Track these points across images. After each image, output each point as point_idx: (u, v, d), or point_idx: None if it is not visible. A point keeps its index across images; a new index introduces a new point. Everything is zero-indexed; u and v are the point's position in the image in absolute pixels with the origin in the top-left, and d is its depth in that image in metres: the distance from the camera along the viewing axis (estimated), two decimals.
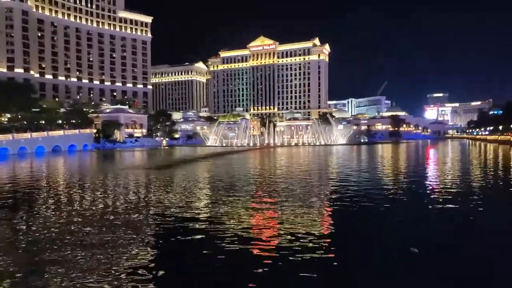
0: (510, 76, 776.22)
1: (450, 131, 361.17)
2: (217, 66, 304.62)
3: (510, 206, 23.04)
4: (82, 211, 21.55)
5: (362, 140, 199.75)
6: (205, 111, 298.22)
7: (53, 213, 21.46)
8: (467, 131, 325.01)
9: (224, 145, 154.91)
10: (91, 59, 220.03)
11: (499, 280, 11.67)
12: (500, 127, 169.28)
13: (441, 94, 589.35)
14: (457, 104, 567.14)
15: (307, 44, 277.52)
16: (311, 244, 14.43)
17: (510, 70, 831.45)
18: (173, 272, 12.31)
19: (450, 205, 21.82)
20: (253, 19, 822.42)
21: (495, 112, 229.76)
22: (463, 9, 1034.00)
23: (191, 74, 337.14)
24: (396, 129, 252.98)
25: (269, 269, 12.11)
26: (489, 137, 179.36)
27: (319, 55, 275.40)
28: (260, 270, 11.94)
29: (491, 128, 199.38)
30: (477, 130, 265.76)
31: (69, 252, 13.91)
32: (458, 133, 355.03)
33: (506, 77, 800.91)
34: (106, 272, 11.88)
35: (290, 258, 12.93)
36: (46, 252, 13.88)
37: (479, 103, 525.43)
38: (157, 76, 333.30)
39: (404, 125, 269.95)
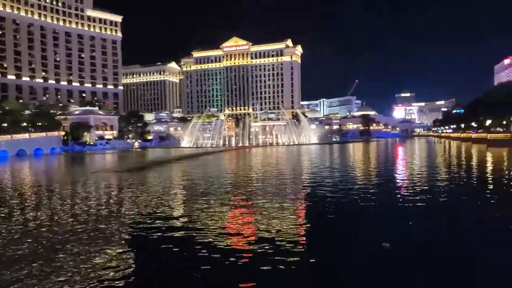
0: (471, 77, 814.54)
1: (417, 129, 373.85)
2: (190, 66, 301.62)
3: (475, 198, 24.13)
4: (47, 219, 20.55)
5: (334, 139, 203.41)
6: (179, 111, 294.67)
7: (16, 221, 20.37)
8: (433, 129, 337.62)
9: (198, 146, 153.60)
10: (58, 59, 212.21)
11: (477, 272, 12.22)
12: (462, 125, 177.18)
13: (408, 94, 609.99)
14: (423, 104, 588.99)
15: (280, 45, 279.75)
16: (288, 244, 14.54)
17: (471, 71, 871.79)
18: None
19: (421, 199, 22.66)
20: (226, 19, 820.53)
21: (458, 111, 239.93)
22: (425, 10, 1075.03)
23: (164, 74, 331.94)
24: (367, 128, 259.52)
25: (249, 269, 12.16)
26: (452, 135, 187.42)
27: (291, 56, 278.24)
28: (241, 270, 11.99)
29: (454, 126, 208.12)
30: (442, 128, 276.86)
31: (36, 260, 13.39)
32: (425, 131, 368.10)
33: (468, 78, 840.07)
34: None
35: (269, 258, 12.99)
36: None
37: (443, 102, 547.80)
38: (128, 76, 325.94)
39: (374, 124, 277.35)
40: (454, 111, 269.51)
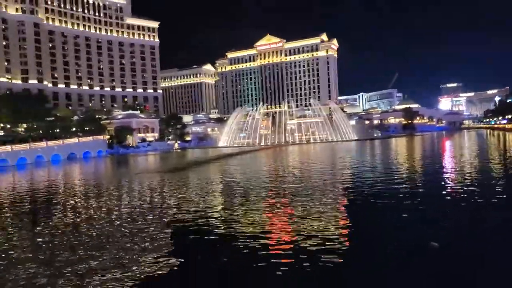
0: None
1: (466, 122, 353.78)
2: (225, 67, 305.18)
3: None
4: (100, 216, 21.85)
5: (375, 135, 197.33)
6: (215, 112, 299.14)
7: (70, 218, 21.73)
8: (484, 120, 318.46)
9: (235, 145, 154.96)
10: (101, 66, 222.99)
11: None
12: None
13: (455, 84, 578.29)
14: (472, 94, 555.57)
15: (315, 40, 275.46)
16: (331, 241, 14.23)
17: None
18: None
19: (470, 200, 21.15)
20: (260, 18, 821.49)
21: None
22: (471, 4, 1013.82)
23: (200, 76, 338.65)
24: (410, 122, 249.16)
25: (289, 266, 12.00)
26: (507, 126, 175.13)
27: (327, 50, 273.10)
28: (281, 267, 11.87)
29: (510, 116, 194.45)
30: (495, 119, 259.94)
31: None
32: (475, 123, 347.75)
33: None
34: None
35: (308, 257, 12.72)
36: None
37: (495, 91, 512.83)
38: (166, 80, 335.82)
39: (418, 118, 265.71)
40: (508, 100, 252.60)
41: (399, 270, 12.01)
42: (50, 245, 15.86)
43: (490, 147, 69.86)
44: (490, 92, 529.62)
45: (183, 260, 13.34)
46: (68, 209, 24.37)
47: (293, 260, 12.62)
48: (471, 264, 11.98)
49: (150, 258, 13.43)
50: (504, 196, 22.24)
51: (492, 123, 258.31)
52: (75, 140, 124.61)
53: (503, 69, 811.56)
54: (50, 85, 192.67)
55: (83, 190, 34.79)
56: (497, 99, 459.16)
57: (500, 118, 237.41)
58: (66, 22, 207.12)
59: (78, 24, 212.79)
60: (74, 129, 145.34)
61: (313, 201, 22.91)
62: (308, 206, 21.44)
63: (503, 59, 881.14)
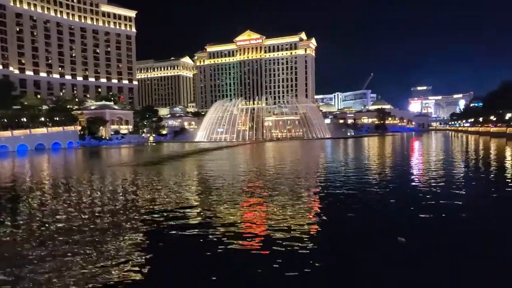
0: (492, 69, 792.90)
1: (434, 123, 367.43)
2: (204, 61, 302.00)
3: (491, 196, 23.34)
4: (66, 210, 20.84)
5: (348, 134, 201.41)
6: (193, 106, 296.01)
7: (36, 212, 20.70)
8: (450, 123, 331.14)
9: (212, 140, 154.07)
10: (73, 54, 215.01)
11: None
12: (481, 119, 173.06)
13: (424, 87, 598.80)
14: (439, 97, 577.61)
15: (294, 39, 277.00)
16: (302, 238, 14.28)
17: (490, 64, 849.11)
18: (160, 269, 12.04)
19: (437, 196, 22.00)
20: (240, 13, 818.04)
21: (476, 105, 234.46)
22: (446, 8, 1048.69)
23: (178, 69, 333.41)
24: (382, 122, 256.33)
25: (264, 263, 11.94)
26: (470, 129, 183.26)
27: (305, 49, 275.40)
28: (255, 265, 11.79)
29: (473, 120, 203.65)
30: (459, 122, 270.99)
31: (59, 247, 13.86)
32: (442, 125, 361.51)
33: (488, 70, 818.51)
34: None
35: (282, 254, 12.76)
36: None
37: (460, 95, 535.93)
38: (142, 71, 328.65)
39: (390, 118, 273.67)
40: (472, 105, 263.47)
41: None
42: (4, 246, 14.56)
43: (454, 148, 73.47)
44: (455, 96, 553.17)
45: (153, 256, 12.99)
46: (29, 206, 22.80)
47: (267, 251, 12.87)
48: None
49: (116, 260, 12.55)
50: (464, 192, 23.30)
51: (457, 125, 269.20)
52: (43, 130, 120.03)
53: (469, 75, 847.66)
54: (16, 71, 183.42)
55: (48, 184, 32.97)
56: (461, 102, 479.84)
57: (464, 121, 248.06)
58: (35, 5, 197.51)
59: (48, 9, 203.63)
60: (42, 118, 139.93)
61: (286, 196, 23.10)
62: (281, 201, 21.58)
63: (469, 65, 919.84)
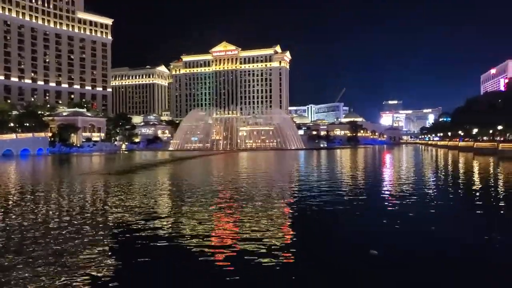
0: (459, 86, 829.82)
1: (405, 137, 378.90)
2: (179, 70, 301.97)
3: (459, 207, 25.36)
4: (32, 220, 20.41)
5: (321, 145, 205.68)
6: (167, 115, 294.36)
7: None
8: (420, 136, 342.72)
9: (186, 149, 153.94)
10: (47, 60, 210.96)
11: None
12: (449, 133, 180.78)
13: (395, 101, 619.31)
14: (410, 111, 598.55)
15: (269, 51, 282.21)
16: (272, 247, 14.67)
17: (459, 80, 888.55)
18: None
19: (409, 208, 23.84)
20: (216, 24, 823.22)
21: (445, 119, 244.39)
22: (418, 29, 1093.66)
23: (153, 77, 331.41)
24: (354, 134, 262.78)
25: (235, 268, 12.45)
26: (439, 143, 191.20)
27: (280, 62, 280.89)
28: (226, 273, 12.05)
29: (441, 134, 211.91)
30: (429, 136, 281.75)
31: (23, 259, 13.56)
32: (412, 139, 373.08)
33: (455, 86, 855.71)
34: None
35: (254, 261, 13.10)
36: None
37: (430, 110, 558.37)
38: (117, 78, 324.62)
39: (362, 131, 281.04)
40: (441, 119, 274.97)
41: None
42: None
43: (424, 161, 76.56)
44: (425, 110, 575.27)
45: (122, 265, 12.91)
46: None
47: (232, 262, 13.12)
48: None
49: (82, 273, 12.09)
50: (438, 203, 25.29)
51: (427, 139, 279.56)
52: (12, 136, 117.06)
53: (438, 90, 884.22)
54: None
55: (13, 192, 31.89)
56: (431, 117, 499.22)
57: (433, 135, 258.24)
58: (10, 10, 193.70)
59: (23, 14, 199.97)
60: (12, 124, 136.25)
61: (258, 206, 23.89)
62: (253, 211, 22.29)
63: (438, 81, 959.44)
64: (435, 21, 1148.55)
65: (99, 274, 12.05)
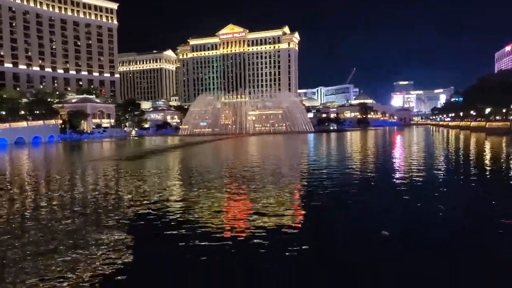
0: (472, 64, 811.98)
1: (415, 118, 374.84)
2: (187, 54, 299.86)
3: (470, 190, 24.45)
4: (49, 204, 21.05)
5: (331, 128, 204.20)
6: (175, 100, 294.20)
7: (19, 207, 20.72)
8: (431, 117, 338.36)
9: (195, 134, 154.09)
10: (54, 46, 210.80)
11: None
12: (461, 114, 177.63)
13: (406, 82, 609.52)
14: (421, 92, 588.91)
15: (277, 33, 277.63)
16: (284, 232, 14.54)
17: (472, 58, 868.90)
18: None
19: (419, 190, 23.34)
20: (223, 7, 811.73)
21: (456, 99, 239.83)
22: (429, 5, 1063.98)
23: (160, 62, 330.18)
24: (364, 116, 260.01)
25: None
26: (451, 123, 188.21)
27: (289, 43, 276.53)
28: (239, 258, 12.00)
29: (453, 114, 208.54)
30: (440, 116, 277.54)
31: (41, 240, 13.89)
32: (423, 120, 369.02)
33: (469, 65, 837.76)
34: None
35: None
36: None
37: (441, 90, 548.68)
38: (124, 64, 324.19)
39: (372, 113, 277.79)
40: (452, 99, 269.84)
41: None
42: None
43: (436, 143, 75.27)
44: (436, 91, 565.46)
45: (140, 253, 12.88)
46: (6, 201, 22.21)
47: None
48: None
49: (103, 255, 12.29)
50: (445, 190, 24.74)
51: (438, 120, 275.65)
52: (23, 124, 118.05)
53: (450, 70, 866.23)
54: None
55: (28, 179, 32.57)
56: (442, 97, 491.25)
57: (445, 115, 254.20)
58: None
59: (28, 0, 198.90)
60: (22, 112, 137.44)
61: (271, 191, 23.61)
62: (266, 195, 22.00)
63: (450, 59, 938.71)
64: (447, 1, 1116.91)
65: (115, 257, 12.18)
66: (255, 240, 13.52)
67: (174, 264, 12.12)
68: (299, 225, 15.65)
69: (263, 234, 14.25)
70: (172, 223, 16.30)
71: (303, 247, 12.79)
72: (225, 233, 14.59)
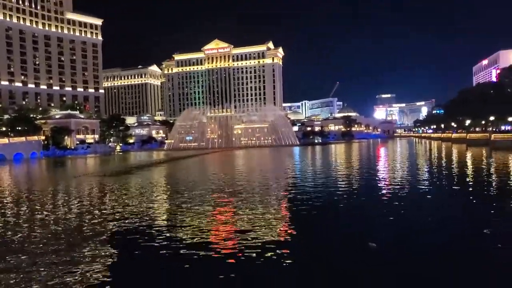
0: (452, 78, 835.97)
1: (399, 130, 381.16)
2: (172, 69, 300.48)
3: (453, 198, 25.66)
4: (31, 223, 20.75)
5: (316, 141, 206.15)
6: (161, 114, 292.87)
7: None
8: (414, 129, 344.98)
9: (181, 149, 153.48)
10: (37, 62, 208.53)
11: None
12: (442, 126, 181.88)
13: (388, 95, 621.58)
14: (403, 105, 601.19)
15: (261, 48, 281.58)
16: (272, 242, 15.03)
17: (449, 73, 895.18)
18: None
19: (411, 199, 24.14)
20: (208, 22, 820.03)
21: (438, 112, 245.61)
22: (411, 23, 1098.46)
23: (145, 77, 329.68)
24: (349, 129, 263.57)
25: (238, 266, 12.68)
26: (433, 135, 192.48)
27: (273, 58, 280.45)
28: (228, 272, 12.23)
29: (435, 126, 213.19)
30: (423, 128, 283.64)
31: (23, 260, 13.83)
32: (406, 132, 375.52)
33: (448, 78, 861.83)
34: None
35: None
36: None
37: (423, 103, 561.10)
38: (109, 79, 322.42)
39: (356, 125, 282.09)
40: (434, 112, 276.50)
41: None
42: None
43: (418, 154, 77.06)
44: (418, 103, 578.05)
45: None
46: None
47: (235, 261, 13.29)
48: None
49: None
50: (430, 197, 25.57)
51: (420, 132, 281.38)
52: (4, 140, 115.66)
53: (431, 83, 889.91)
54: None
55: (7, 196, 31.98)
56: (424, 109, 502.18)
57: (427, 127, 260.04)
58: None
59: (11, 16, 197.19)
60: (4, 128, 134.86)
61: (255, 203, 24.03)
62: (250, 209, 22.33)
63: (431, 73, 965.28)
64: (426, 14, 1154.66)
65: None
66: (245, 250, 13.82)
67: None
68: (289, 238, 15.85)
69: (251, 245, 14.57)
70: (154, 238, 16.41)
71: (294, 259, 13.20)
72: (214, 246, 14.79)
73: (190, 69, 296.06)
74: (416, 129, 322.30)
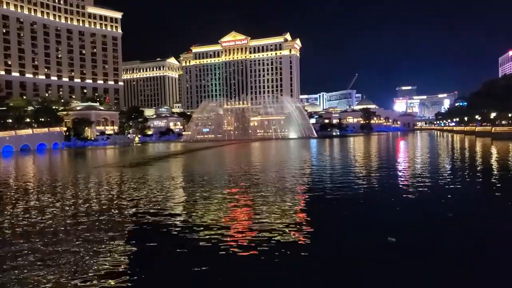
0: (476, 69, 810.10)
1: (419, 123, 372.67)
2: (189, 61, 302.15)
3: (480, 194, 24.89)
4: (54, 211, 21.38)
5: (334, 133, 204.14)
6: (178, 107, 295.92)
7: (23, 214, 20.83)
8: (435, 122, 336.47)
9: (198, 140, 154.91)
10: (59, 55, 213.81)
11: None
12: (466, 118, 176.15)
13: (409, 87, 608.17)
14: (424, 97, 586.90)
15: (279, 39, 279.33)
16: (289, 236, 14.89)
17: (476, 63, 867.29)
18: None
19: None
20: (225, 14, 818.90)
21: (461, 104, 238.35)
22: (433, 13, 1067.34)
23: (163, 69, 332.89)
24: (367, 122, 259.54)
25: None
26: (455, 128, 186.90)
27: (290, 50, 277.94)
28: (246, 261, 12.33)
29: (457, 119, 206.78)
30: (445, 121, 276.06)
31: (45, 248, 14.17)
32: (427, 125, 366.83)
33: (472, 70, 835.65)
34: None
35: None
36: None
37: (445, 95, 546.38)
38: (128, 72, 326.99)
39: (375, 118, 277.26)
40: (457, 104, 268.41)
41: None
42: None
43: (439, 147, 74.73)
44: (440, 95, 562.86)
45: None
46: (11, 208, 22.50)
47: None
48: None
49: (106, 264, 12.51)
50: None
51: (442, 125, 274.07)
52: (29, 131, 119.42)
53: (453, 74, 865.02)
54: (2, 72, 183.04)
55: (33, 185, 33.05)
56: (446, 102, 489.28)
57: (449, 120, 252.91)
58: (22, 7, 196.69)
59: (35, 10, 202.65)
60: (28, 120, 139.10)
61: (274, 196, 23.96)
62: (269, 201, 22.22)
63: (453, 64, 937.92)
64: (450, 3, 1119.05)
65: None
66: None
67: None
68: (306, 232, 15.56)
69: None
70: (173, 228, 16.67)
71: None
72: (230, 243, 14.51)
73: (207, 61, 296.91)
74: (438, 122, 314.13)
